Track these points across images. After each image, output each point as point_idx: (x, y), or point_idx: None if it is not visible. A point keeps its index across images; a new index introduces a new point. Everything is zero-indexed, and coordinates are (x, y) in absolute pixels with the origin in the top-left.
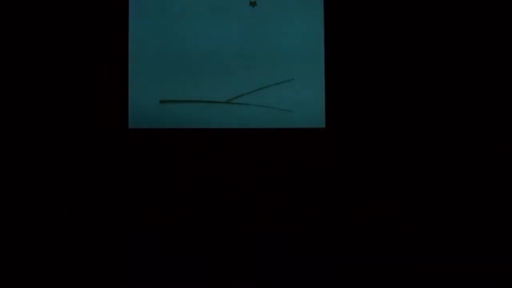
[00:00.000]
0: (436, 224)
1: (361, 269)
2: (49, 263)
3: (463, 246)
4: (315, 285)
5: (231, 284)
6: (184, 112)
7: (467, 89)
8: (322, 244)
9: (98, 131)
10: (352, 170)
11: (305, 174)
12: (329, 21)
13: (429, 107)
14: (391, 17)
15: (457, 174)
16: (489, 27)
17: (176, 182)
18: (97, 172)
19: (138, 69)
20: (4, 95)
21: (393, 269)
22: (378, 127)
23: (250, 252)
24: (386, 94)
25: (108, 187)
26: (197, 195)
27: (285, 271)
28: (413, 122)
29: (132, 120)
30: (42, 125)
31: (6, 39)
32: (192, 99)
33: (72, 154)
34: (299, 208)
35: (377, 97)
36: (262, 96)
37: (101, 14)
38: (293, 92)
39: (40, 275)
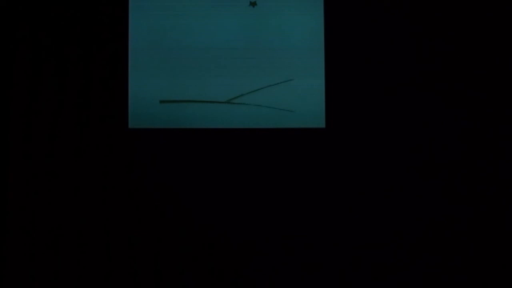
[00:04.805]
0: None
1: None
2: (48, 263)
3: None
4: None
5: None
6: (184, 112)
7: None
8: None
9: (97, 130)
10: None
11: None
12: (329, 21)
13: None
14: (392, 18)
15: None
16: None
17: (176, 182)
18: (96, 172)
19: (138, 69)
20: (2, 95)
21: None
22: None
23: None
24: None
25: (107, 187)
26: (197, 195)
27: None
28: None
29: (132, 120)
30: (41, 125)
31: (3, 36)
32: (192, 99)
33: (71, 154)
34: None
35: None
36: (262, 96)
37: (101, 13)
38: (293, 92)
39: (39, 276)
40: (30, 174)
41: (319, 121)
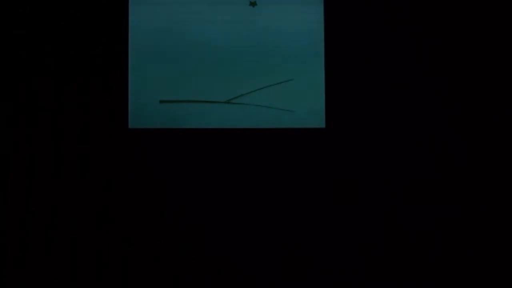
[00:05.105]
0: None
1: None
2: (48, 263)
3: None
4: None
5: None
6: (184, 112)
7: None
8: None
9: (97, 130)
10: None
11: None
12: (329, 21)
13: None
14: (393, 18)
15: None
16: None
17: (176, 182)
18: (96, 172)
19: (138, 69)
20: (2, 94)
21: None
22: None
23: None
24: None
25: (107, 187)
26: (197, 194)
27: None
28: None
29: (132, 120)
30: (40, 124)
31: (3, 36)
32: (192, 99)
33: (70, 154)
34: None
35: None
36: (262, 96)
37: (101, 13)
38: (293, 92)
39: (39, 276)
40: (30, 174)
41: (319, 121)
